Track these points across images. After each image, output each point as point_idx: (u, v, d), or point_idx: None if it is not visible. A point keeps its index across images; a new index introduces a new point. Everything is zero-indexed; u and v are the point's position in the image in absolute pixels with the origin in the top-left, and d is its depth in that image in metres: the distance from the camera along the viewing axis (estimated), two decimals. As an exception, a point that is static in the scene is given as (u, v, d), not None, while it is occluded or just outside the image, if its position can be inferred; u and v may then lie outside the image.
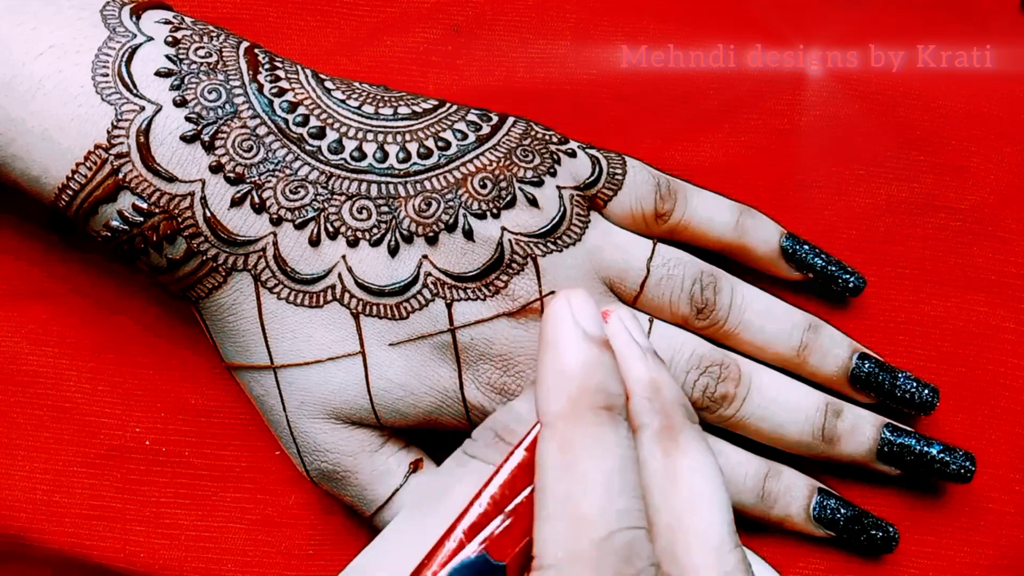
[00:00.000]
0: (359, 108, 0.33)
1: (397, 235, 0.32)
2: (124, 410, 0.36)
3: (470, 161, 0.33)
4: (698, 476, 0.27)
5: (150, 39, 0.32)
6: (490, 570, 0.25)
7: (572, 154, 0.34)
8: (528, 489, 0.26)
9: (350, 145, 0.32)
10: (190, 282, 0.32)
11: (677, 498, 0.27)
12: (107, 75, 0.31)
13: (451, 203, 0.32)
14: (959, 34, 0.39)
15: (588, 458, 0.25)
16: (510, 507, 0.26)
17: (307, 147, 0.32)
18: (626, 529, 0.25)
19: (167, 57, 0.32)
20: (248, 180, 0.31)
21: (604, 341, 0.27)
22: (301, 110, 0.32)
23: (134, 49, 0.31)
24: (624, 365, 0.28)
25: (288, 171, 0.32)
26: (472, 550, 0.25)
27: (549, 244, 0.32)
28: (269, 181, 0.31)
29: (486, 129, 0.33)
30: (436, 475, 0.31)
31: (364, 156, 0.32)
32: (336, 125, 0.32)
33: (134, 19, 0.32)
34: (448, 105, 0.34)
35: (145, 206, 0.31)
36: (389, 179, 0.32)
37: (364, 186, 0.32)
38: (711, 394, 0.33)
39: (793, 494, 0.34)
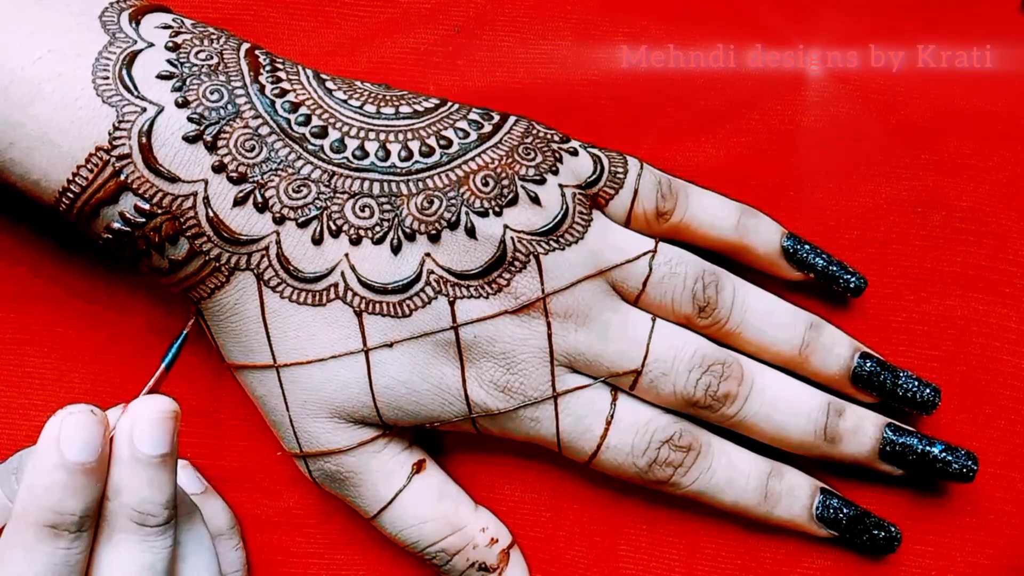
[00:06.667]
0: (361, 107, 0.33)
1: (400, 233, 0.32)
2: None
3: (472, 159, 0.33)
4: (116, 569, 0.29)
5: (151, 45, 0.32)
6: None
7: (574, 152, 0.34)
8: None
9: (352, 144, 0.32)
10: (192, 283, 0.32)
11: None
12: (108, 78, 0.31)
13: (453, 201, 0.32)
14: (959, 34, 0.39)
15: (9, 564, 0.27)
16: None
17: (309, 146, 0.32)
18: None
19: (168, 61, 0.31)
20: (251, 179, 0.31)
21: (83, 466, 0.28)
22: (303, 110, 0.32)
23: (134, 55, 0.31)
24: (112, 471, 0.29)
25: (291, 170, 0.32)
26: None
27: (551, 242, 0.32)
28: (272, 180, 0.31)
29: (488, 127, 0.33)
30: None
31: (366, 155, 0.32)
32: (338, 124, 0.32)
33: (133, 25, 0.32)
34: (450, 104, 0.34)
35: (147, 207, 0.31)
36: (391, 177, 0.32)
37: (367, 184, 0.32)
38: (713, 393, 0.33)
39: (796, 494, 0.34)
